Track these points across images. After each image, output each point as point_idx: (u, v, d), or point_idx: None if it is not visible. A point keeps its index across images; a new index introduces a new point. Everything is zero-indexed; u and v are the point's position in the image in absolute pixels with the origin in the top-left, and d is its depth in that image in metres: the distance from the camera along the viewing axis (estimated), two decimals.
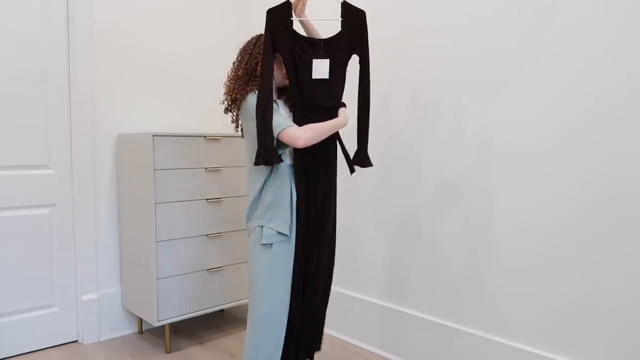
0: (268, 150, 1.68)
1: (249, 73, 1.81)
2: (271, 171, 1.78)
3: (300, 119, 1.76)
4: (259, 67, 1.79)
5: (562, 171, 1.78)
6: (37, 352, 2.47)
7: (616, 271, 1.66)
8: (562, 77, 1.77)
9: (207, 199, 2.58)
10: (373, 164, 1.89)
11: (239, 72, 1.82)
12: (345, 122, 1.80)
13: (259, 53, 1.81)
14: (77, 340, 2.62)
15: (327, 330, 2.51)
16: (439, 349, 2.19)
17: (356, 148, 1.85)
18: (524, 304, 1.91)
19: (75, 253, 2.59)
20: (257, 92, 1.73)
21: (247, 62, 1.83)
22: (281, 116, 1.72)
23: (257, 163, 1.71)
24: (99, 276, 2.64)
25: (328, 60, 1.78)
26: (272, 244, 1.75)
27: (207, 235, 2.59)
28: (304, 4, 1.83)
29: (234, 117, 1.88)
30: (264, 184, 1.79)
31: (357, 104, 1.84)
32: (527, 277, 1.89)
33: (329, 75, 1.79)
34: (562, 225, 1.79)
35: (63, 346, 2.55)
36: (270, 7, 1.73)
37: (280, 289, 1.78)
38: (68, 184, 2.57)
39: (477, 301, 2.06)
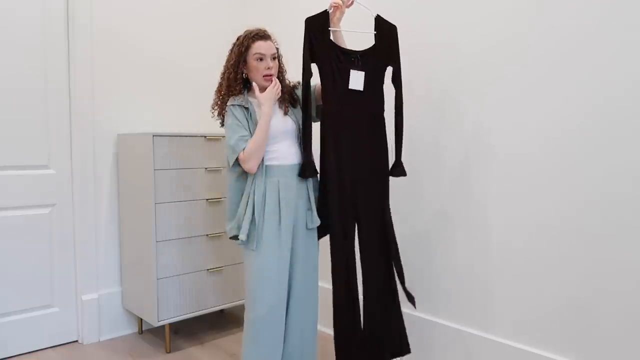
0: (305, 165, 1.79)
1: (228, 82, 1.86)
2: (245, 177, 1.82)
3: (328, 136, 1.79)
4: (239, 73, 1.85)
5: (564, 174, 1.78)
6: (37, 352, 2.47)
7: (616, 271, 1.66)
8: (568, 82, 1.76)
9: (207, 199, 2.58)
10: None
11: (221, 81, 1.89)
12: (266, 116, 1.75)
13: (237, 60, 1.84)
14: (77, 340, 2.62)
15: (326, 329, 2.50)
16: (439, 349, 2.19)
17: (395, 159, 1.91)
18: (525, 305, 1.91)
19: (75, 253, 2.59)
20: (233, 101, 1.82)
21: (225, 71, 1.88)
22: (239, 138, 1.76)
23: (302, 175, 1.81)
24: (99, 276, 2.64)
25: (363, 72, 1.80)
26: (259, 244, 1.77)
27: (207, 235, 2.59)
28: (342, 14, 1.83)
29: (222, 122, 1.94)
30: (242, 187, 1.84)
31: (394, 117, 1.89)
32: (528, 278, 1.89)
33: (366, 87, 1.81)
34: (563, 227, 1.79)
35: (63, 346, 2.55)
36: (308, 15, 1.76)
37: (273, 288, 1.77)
38: (68, 184, 2.57)
39: (479, 301, 2.06)
